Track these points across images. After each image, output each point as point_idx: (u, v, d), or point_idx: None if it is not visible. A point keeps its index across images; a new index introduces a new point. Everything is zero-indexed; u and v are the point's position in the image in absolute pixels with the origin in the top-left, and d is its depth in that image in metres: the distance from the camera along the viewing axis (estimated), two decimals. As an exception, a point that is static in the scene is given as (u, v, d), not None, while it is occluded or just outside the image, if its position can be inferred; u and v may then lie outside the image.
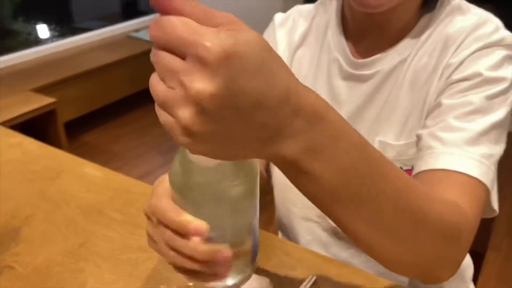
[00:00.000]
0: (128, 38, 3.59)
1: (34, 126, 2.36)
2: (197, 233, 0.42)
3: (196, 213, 0.43)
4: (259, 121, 0.34)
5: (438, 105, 0.68)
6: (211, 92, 0.31)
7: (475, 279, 1.02)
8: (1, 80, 2.73)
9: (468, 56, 0.67)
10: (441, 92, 0.69)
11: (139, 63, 3.33)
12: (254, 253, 0.50)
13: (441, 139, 0.63)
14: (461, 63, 0.67)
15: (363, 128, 0.78)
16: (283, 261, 0.77)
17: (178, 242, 0.43)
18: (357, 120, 0.78)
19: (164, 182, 0.47)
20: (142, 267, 0.76)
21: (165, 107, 0.34)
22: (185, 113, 0.33)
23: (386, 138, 0.76)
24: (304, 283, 0.72)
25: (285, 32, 0.85)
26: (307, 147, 0.38)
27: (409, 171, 0.74)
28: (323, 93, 0.81)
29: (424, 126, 0.69)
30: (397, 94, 0.74)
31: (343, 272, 0.75)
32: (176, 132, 0.34)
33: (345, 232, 0.46)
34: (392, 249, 0.48)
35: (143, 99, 3.45)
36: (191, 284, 0.66)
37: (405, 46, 0.73)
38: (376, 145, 0.76)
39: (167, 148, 2.86)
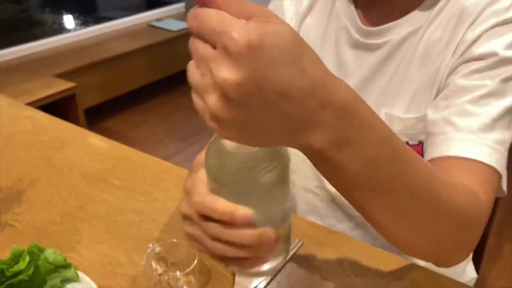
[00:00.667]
0: (149, 27, 3.64)
1: (55, 112, 2.42)
2: (243, 220, 0.42)
3: (234, 201, 0.43)
4: (286, 112, 0.35)
5: (451, 84, 0.66)
6: (235, 80, 0.32)
7: (479, 261, 1.02)
8: (26, 65, 2.82)
9: (485, 31, 0.65)
10: (454, 69, 0.67)
11: (159, 51, 3.38)
12: (289, 237, 0.50)
13: (455, 124, 0.62)
14: (476, 39, 0.65)
15: (370, 100, 0.76)
16: (272, 226, 0.78)
17: (226, 232, 0.43)
18: (364, 91, 0.77)
19: (198, 177, 0.47)
20: (135, 228, 0.79)
21: (197, 92, 0.36)
22: (212, 99, 0.34)
23: (393, 111, 0.74)
24: (292, 246, 0.73)
25: (292, 0, 0.85)
26: (335, 140, 0.37)
27: (415, 146, 0.74)
28: (331, 62, 0.80)
29: (436, 107, 0.67)
30: (406, 66, 0.73)
31: (330, 237, 0.76)
32: (205, 116, 0.35)
33: (365, 218, 0.47)
34: (410, 235, 0.49)
35: (162, 87, 3.50)
36: (175, 240, 0.68)
37: (416, 17, 0.71)
38: (382, 116, 0.75)
39: (186, 134, 2.90)
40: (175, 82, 3.49)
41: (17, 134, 1.10)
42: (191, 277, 0.67)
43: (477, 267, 0.99)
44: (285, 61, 0.33)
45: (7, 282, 0.59)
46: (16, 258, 0.62)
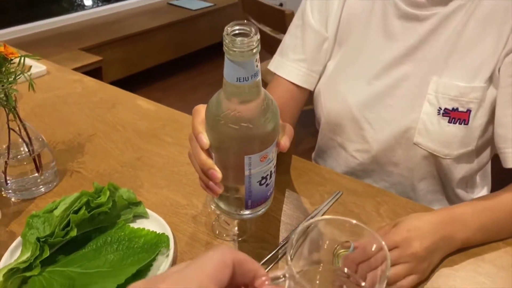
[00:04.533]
0: (168, 5, 3.70)
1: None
2: (212, 179, 0.56)
3: (216, 144, 0.56)
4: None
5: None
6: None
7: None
8: (52, 39, 2.90)
9: None
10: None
11: (178, 30, 3.44)
12: (247, 199, 0.59)
13: None
14: None
15: (418, 66, 0.83)
16: (313, 179, 0.87)
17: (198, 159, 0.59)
18: (411, 59, 0.84)
19: (202, 112, 0.58)
20: (190, 177, 0.87)
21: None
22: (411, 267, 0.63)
23: (445, 79, 0.81)
24: (332, 196, 0.82)
25: None
26: (468, 230, 0.70)
27: (464, 113, 0.81)
28: (378, 32, 0.87)
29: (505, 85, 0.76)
30: (457, 39, 0.79)
31: (367, 190, 0.84)
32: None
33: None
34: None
35: (183, 65, 3.57)
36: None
37: None
38: (432, 85, 0.82)
39: (204, 111, 2.98)
40: (194, 61, 3.56)
41: (68, 95, 1.18)
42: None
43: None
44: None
45: (91, 212, 0.68)
46: (97, 192, 0.71)
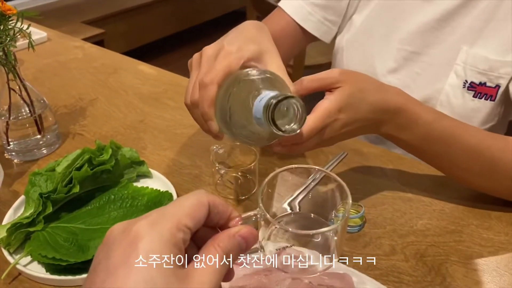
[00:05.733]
0: (172, -22, 3.64)
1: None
2: (210, 131, 0.53)
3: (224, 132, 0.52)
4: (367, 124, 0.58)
5: None
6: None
7: None
8: (53, 12, 2.86)
9: None
10: None
11: (183, 2, 3.39)
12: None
13: None
14: None
15: (450, 33, 0.80)
16: (319, 140, 0.85)
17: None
18: (445, 24, 0.80)
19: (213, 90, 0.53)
20: (193, 138, 0.86)
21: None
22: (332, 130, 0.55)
23: (477, 49, 0.78)
24: (337, 157, 0.81)
25: None
26: (395, 127, 0.60)
27: (492, 88, 0.78)
28: None
29: None
30: (495, 9, 0.76)
31: (371, 151, 0.83)
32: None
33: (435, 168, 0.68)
34: (478, 182, 0.67)
35: (186, 38, 3.53)
36: (238, 143, 0.75)
37: None
38: (461, 55, 0.79)
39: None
40: (198, 34, 3.52)
41: (70, 61, 1.17)
42: (250, 177, 0.75)
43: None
44: (358, 103, 0.56)
45: (94, 170, 0.67)
46: (99, 150, 0.70)
